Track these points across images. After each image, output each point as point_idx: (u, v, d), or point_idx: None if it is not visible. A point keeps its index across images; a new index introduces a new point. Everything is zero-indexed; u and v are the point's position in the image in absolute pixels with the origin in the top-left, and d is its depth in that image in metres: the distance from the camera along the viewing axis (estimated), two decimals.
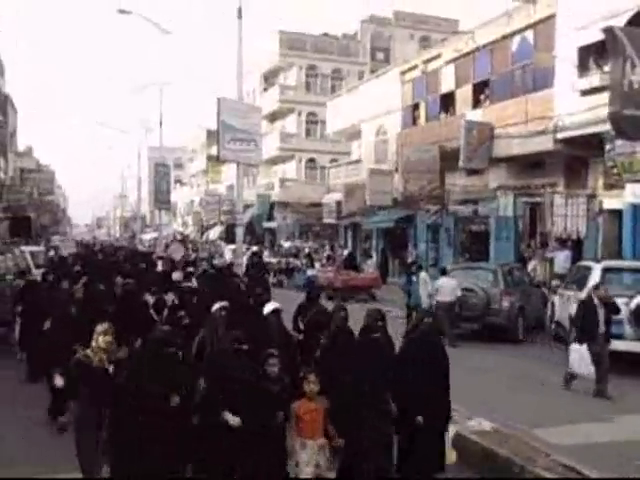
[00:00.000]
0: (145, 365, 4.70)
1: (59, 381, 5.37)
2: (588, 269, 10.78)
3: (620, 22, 12.04)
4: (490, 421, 6.38)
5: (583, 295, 9.57)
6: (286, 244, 30.84)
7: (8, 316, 10.49)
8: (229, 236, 32.44)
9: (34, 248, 20.58)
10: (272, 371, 4.81)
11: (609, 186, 13.82)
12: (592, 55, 13.66)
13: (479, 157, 17.40)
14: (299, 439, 4.67)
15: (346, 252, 26.41)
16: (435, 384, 5.14)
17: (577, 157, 14.92)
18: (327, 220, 29.22)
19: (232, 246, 22.84)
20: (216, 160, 28.21)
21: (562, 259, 14.65)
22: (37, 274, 12.85)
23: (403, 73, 22.69)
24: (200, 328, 6.34)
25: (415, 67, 22.00)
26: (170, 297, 8.72)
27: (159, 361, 4.63)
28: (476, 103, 18.59)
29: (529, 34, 16.36)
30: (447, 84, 19.88)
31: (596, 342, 8.24)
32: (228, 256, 26.39)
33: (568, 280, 12.08)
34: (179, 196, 58.09)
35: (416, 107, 22.09)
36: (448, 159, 18.57)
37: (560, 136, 14.54)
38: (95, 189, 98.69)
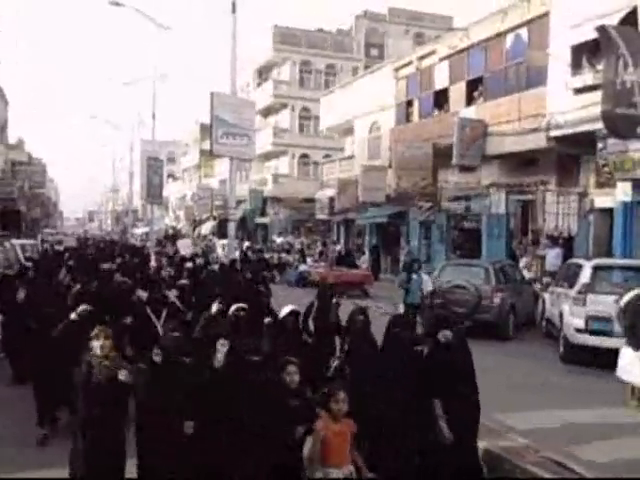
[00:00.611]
0: (160, 379, 4.42)
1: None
2: (579, 267, 10.84)
3: (613, 21, 12.07)
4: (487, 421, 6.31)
5: (625, 298, 9.31)
6: (278, 239, 30.82)
7: None
8: (221, 231, 32.36)
9: (24, 241, 20.46)
10: (292, 381, 4.29)
11: (600, 184, 13.89)
12: (585, 53, 13.70)
13: (472, 154, 17.44)
14: (322, 467, 3.99)
15: (338, 247, 26.45)
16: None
17: (569, 155, 14.98)
18: (320, 216, 29.22)
19: (224, 241, 22.79)
20: (209, 155, 28.16)
21: (553, 257, 14.72)
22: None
23: (397, 69, 22.68)
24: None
25: (409, 64, 21.99)
26: (172, 294, 8.31)
27: (174, 372, 4.37)
28: (470, 100, 18.61)
29: (523, 32, 16.38)
30: (441, 81, 19.89)
31: None
32: (220, 251, 26.30)
33: (559, 278, 12.15)
34: (171, 190, 57.87)
35: (410, 104, 22.10)
36: (441, 156, 18.59)
37: (553, 134, 14.59)
38: (87, 182, 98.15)
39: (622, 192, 13.06)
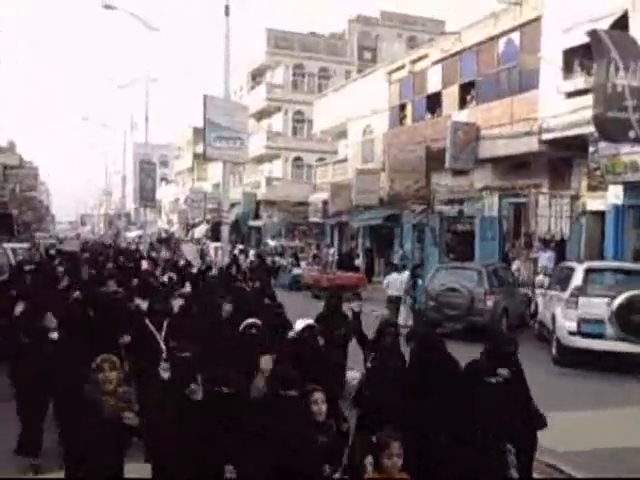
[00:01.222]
0: (171, 397, 3.85)
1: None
2: (571, 269, 10.89)
3: (604, 25, 12.16)
4: None
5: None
6: (272, 243, 30.79)
7: None
8: (215, 234, 32.30)
9: (16, 245, 20.34)
10: (319, 412, 3.63)
11: (592, 187, 13.97)
12: (577, 58, 13.79)
13: (465, 157, 17.50)
14: None
15: (332, 250, 26.45)
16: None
17: (561, 158, 15.06)
18: (313, 219, 29.22)
19: (218, 244, 22.74)
20: (202, 158, 28.09)
21: (545, 259, 14.79)
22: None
23: (390, 73, 22.74)
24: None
25: (402, 67, 22.06)
26: (177, 302, 7.60)
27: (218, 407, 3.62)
28: (462, 104, 18.68)
29: (515, 36, 16.48)
30: (434, 84, 19.96)
31: None
32: (212, 253, 26.19)
33: (551, 280, 12.20)
34: (164, 194, 57.74)
35: (403, 107, 22.16)
36: (434, 159, 18.64)
37: (545, 137, 14.66)
38: (79, 186, 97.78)
39: (614, 195, 13.15)
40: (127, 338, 5.96)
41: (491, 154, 16.91)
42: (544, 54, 14.85)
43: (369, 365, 5.10)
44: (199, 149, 32.98)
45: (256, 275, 13.10)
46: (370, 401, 4.47)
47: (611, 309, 9.56)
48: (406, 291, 12.99)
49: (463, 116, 18.06)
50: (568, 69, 14.06)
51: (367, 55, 36.17)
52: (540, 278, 13.63)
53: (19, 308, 6.86)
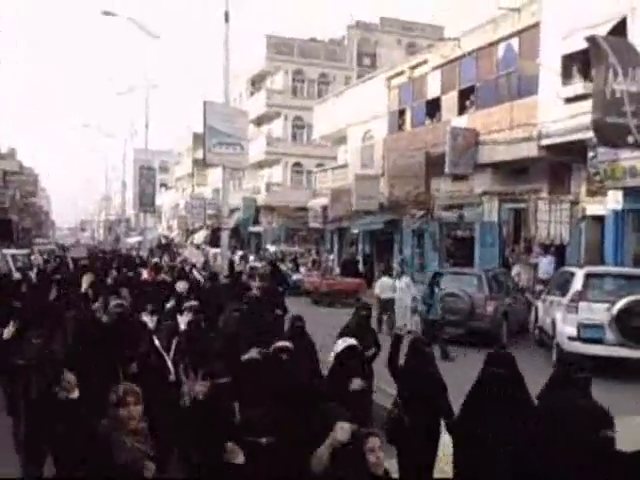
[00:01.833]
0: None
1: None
2: (571, 275, 10.89)
3: (603, 31, 12.20)
4: None
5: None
6: (272, 248, 30.78)
7: None
8: (214, 240, 32.30)
9: (15, 251, 20.33)
10: (377, 463, 3.02)
11: (592, 192, 13.98)
12: (576, 63, 13.83)
13: (464, 163, 17.52)
14: None
15: (332, 256, 26.43)
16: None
17: (561, 164, 15.08)
18: (313, 225, 29.22)
19: (217, 250, 22.72)
20: (202, 164, 28.14)
21: (545, 264, 14.79)
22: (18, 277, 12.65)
23: (389, 79, 22.80)
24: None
25: (401, 73, 22.12)
26: (184, 319, 6.94)
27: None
28: (462, 109, 18.72)
29: (514, 42, 16.53)
30: (433, 90, 20.01)
31: None
32: (211, 259, 26.06)
33: (551, 286, 12.19)
34: (164, 199, 57.79)
35: (402, 113, 22.21)
36: (434, 164, 18.67)
37: (544, 143, 14.68)
38: (79, 192, 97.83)
39: (613, 200, 13.16)
40: (134, 366, 5.18)
41: (491, 159, 16.93)
42: (543, 60, 14.90)
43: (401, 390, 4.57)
44: (199, 155, 33.01)
45: (268, 285, 12.38)
46: (410, 436, 4.17)
47: (611, 314, 9.55)
48: (423, 300, 12.53)
49: (462, 121, 18.09)
50: (567, 75, 14.10)
51: (366, 61, 36.27)
52: (541, 287, 13.62)
53: (11, 329, 5.97)
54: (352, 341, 5.03)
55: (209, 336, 6.28)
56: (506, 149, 16.14)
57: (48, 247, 31.42)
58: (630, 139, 11.37)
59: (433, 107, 20.10)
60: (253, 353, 5.49)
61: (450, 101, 19.16)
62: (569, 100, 13.81)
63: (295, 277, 22.51)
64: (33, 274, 13.74)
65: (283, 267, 25.27)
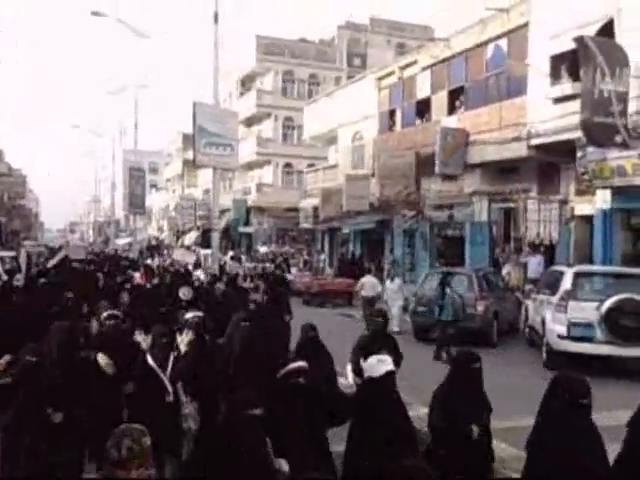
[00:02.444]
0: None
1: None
2: (560, 274, 10.95)
3: (591, 32, 12.29)
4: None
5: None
6: (262, 249, 30.74)
7: None
8: (205, 241, 32.22)
9: (4, 253, 20.17)
10: None
11: (581, 192, 14.07)
12: (564, 64, 13.91)
13: (454, 163, 17.58)
14: None
15: (322, 257, 26.41)
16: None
17: (550, 163, 15.17)
18: (304, 225, 29.21)
19: (208, 251, 22.64)
20: (192, 165, 28.04)
21: (535, 264, 14.88)
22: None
23: (379, 79, 22.84)
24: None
25: (391, 73, 22.17)
26: (186, 338, 5.88)
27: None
28: (451, 109, 18.79)
29: (503, 42, 16.61)
30: (423, 90, 20.06)
31: None
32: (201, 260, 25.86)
33: (541, 285, 12.26)
34: (154, 200, 57.52)
35: (392, 113, 22.25)
36: (424, 164, 18.72)
37: (533, 143, 14.76)
38: (68, 193, 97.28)
39: (601, 200, 13.25)
40: (130, 387, 4.75)
41: (480, 159, 17.00)
42: (532, 60, 14.98)
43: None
44: (189, 156, 32.94)
45: (273, 290, 11.52)
46: (450, 460, 3.83)
47: (600, 313, 9.62)
48: (434, 301, 11.95)
49: (452, 122, 18.16)
50: (555, 75, 14.18)
51: (356, 61, 36.31)
52: (530, 287, 13.69)
53: None
54: (388, 360, 4.10)
55: (215, 357, 5.53)
56: (495, 149, 16.22)
57: (37, 249, 31.09)
58: (618, 139, 11.48)
59: (423, 107, 20.16)
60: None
61: (440, 101, 19.22)
62: (558, 100, 13.89)
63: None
64: (21, 276, 13.52)
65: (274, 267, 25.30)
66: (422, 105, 20.18)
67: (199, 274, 12.65)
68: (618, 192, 12.72)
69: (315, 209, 26.87)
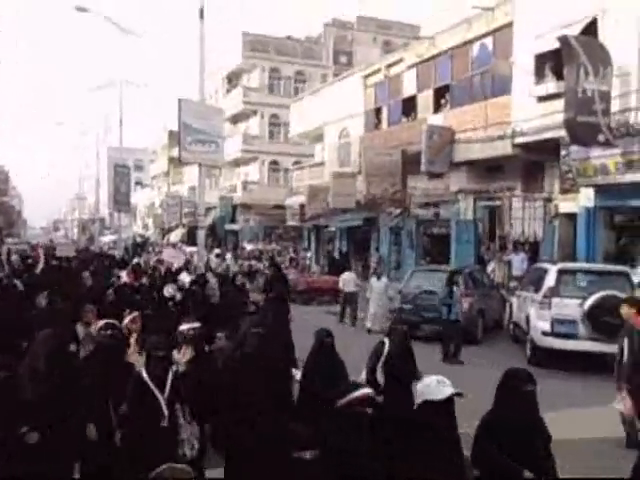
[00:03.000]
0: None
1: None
2: (544, 271, 11.06)
3: (574, 31, 12.39)
4: None
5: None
6: (249, 246, 30.66)
7: None
8: (191, 239, 32.05)
9: None
10: None
11: (564, 190, 14.21)
12: (548, 63, 14.02)
13: (440, 161, 17.65)
14: None
15: (308, 253, 26.37)
16: None
17: (534, 162, 15.30)
18: (290, 222, 29.19)
19: (194, 249, 22.51)
20: (178, 162, 27.87)
21: (518, 261, 15.01)
22: None
23: (366, 77, 22.86)
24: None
25: (377, 71, 22.20)
26: (186, 354, 5.17)
27: None
28: (437, 108, 18.86)
29: (488, 41, 16.70)
30: (409, 88, 20.12)
31: None
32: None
33: (525, 282, 12.36)
34: (139, 198, 57.12)
35: (378, 111, 22.28)
36: (410, 162, 18.78)
37: (518, 141, 14.87)
38: (52, 190, 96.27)
39: (585, 197, 13.39)
40: (124, 408, 4.28)
41: (466, 157, 17.09)
42: (516, 59, 15.08)
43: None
44: (174, 153, 32.70)
45: (274, 291, 10.64)
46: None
47: (583, 310, 9.73)
48: (442, 301, 11.56)
49: (438, 120, 18.22)
50: (540, 74, 14.29)
51: (343, 59, 36.32)
52: (515, 284, 13.81)
53: None
54: (448, 383, 3.39)
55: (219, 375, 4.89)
56: (481, 147, 16.31)
57: (20, 247, 30.66)
58: (601, 137, 11.61)
59: (409, 105, 20.22)
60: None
61: (426, 99, 19.29)
62: (542, 99, 14.00)
63: None
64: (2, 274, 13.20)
65: (260, 265, 25.24)
66: (408, 103, 20.23)
67: (183, 277, 11.96)
68: (601, 190, 12.87)
69: (301, 207, 26.85)
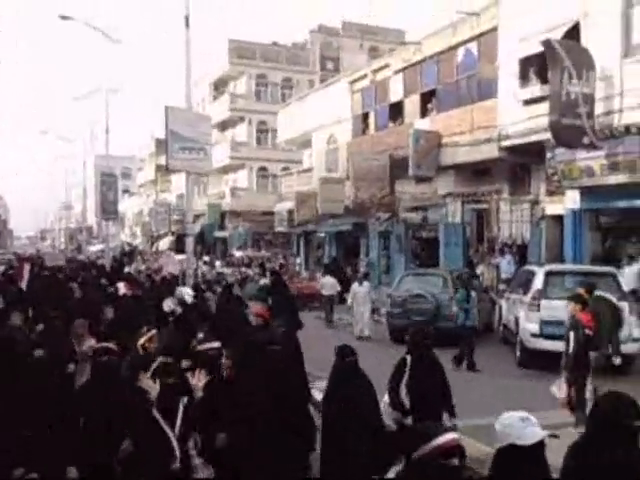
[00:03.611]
0: None
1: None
2: (532, 273, 11.12)
3: (558, 35, 12.52)
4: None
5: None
6: (238, 253, 30.58)
7: None
8: (179, 246, 31.91)
9: None
10: None
11: (551, 192, 14.31)
12: (533, 66, 14.16)
13: (427, 165, 17.73)
14: None
15: (298, 260, 26.33)
16: None
17: (521, 164, 15.41)
18: (279, 229, 29.16)
19: (182, 256, 22.40)
20: (165, 169, 27.78)
21: (505, 264, 15.09)
22: None
23: (352, 83, 22.94)
24: None
25: (364, 77, 22.29)
26: (202, 380, 4.31)
27: None
28: (424, 112, 18.96)
29: (473, 46, 16.84)
30: (396, 93, 20.22)
31: None
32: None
33: (513, 284, 12.42)
34: (127, 206, 56.81)
35: (366, 116, 22.36)
36: (398, 167, 18.84)
37: (504, 144, 14.97)
38: (38, 200, 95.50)
39: (571, 200, 13.49)
40: (128, 445, 3.71)
41: (453, 161, 17.18)
42: (501, 63, 15.21)
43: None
44: (162, 160, 32.55)
45: (277, 303, 10.08)
46: None
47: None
48: (459, 305, 11.09)
49: (425, 124, 18.32)
50: (524, 77, 14.42)
51: (329, 65, 36.44)
52: (504, 287, 13.88)
53: None
54: (536, 422, 2.65)
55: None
56: (467, 151, 16.41)
57: (6, 257, 30.24)
58: (585, 140, 11.72)
59: (396, 110, 20.31)
60: None
61: (412, 104, 19.39)
62: (527, 102, 14.11)
63: (262, 282, 22.37)
64: None
65: (250, 272, 25.17)
66: (395, 108, 20.32)
67: (183, 290, 11.05)
68: (587, 192, 12.97)
69: (290, 213, 26.84)
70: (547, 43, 11.79)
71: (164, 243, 41.07)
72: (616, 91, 12.03)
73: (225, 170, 36.60)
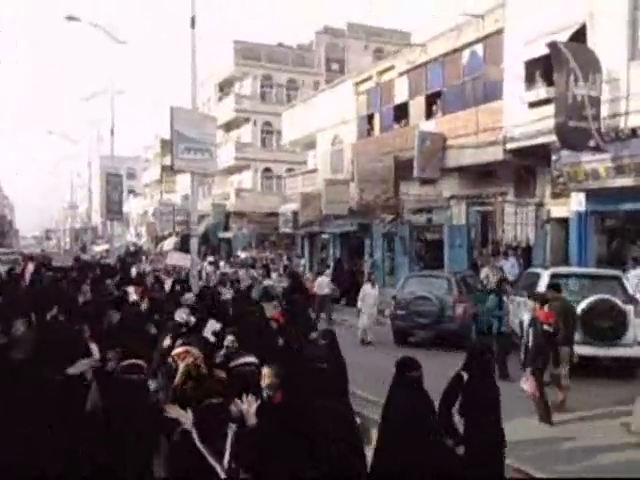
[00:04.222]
0: None
1: None
2: (537, 275, 11.10)
3: (564, 37, 12.50)
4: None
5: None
6: (242, 254, 30.62)
7: None
8: (184, 247, 31.96)
9: None
10: None
11: (556, 195, 14.29)
12: (538, 68, 14.13)
13: (432, 167, 17.72)
14: None
15: (302, 261, 26.31)
16: None
17: (526, 167, 15.38)
18: (283, 230, 29.17)
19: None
20: (170, 170, 27.85)
21: (508, 267, 15.06)
22: None
23: (357, 84, 22.95)
24: None
25: (369, 78, 22.29)
26: (252, 405, 3.57)
27: None
28: (429, 114, 18.95)
29: (478, 48, 16.82)
30: (401, 95, 20.21)
31: None
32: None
33: (518, 286, 12.40)
34: (132, 206, 57.00)
35: (371, 117, 22.36)
36: (402, 169, 18.84)
37: (509, 147, 14.94)
38: (44, 200, 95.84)
39: (576, 202, 13.47)
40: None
41: (458, 163, 17.16)
42: (507, 65, 15.19)
43: None
44: (167, 161, 32.62)
45: (291, 306, 9.60)
46: None
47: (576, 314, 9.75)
48: (491, 312, 10.63)
49: (430, 126, 18.31)
50: (530, 80, 14.39)
51: (335, 66, 36.47)
52: (508, 287, 13.82)
53: None
54: None
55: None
56: (472, 153, 16.39)
57: (11, 257, 30.19)
58: (591, 142, 11.69)
59: (401, 112, 20.30)
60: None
61: (417, 106, 19.38)
62: (533, 104, 14.09)
63: (266, 283, 22.40)
64: None
65: (254, 273, 25.19)
66: (400, 109, 20.32)
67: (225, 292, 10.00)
68: (592, 195, 12.94)
69: (295, 214, 26.85)
70: (553, 45, 11.77)
71: (169, 243, 41.15)
72: (622, 94, 12.00)
73: (230, 171, 36.66)
